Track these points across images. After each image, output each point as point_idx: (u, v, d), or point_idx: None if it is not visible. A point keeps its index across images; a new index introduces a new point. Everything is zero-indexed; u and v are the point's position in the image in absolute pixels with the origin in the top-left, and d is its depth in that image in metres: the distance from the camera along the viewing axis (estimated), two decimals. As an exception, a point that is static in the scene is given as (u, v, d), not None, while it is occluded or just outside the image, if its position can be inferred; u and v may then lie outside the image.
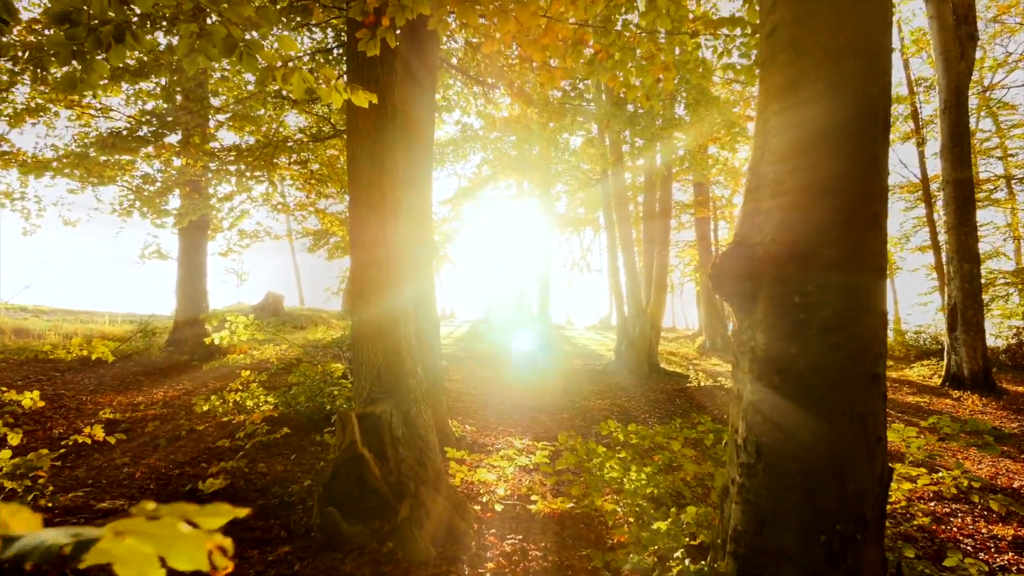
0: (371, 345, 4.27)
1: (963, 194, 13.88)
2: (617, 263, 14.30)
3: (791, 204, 2.18)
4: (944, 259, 14.80)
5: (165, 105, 6.20)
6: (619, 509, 3.62)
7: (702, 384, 11.82)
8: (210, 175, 7.61)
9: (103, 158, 6.82)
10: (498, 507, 4.14)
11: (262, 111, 7.48)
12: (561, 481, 4.65)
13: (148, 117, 6.23)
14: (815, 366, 2.10)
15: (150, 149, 7.48)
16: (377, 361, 4.23)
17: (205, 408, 5.75)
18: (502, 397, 10.33)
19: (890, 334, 20.88)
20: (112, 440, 4.04)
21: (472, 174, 17.42)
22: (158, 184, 8.18)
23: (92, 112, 9.79)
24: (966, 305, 13.80)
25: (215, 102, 11.17)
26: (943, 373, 14.18)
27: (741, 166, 23.20)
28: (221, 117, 7.50)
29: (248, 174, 7.42)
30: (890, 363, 18.60)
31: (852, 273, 2.11)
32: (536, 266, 22.28)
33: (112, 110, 9.67)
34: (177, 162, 9.12)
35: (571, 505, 3.69)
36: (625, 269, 14.01)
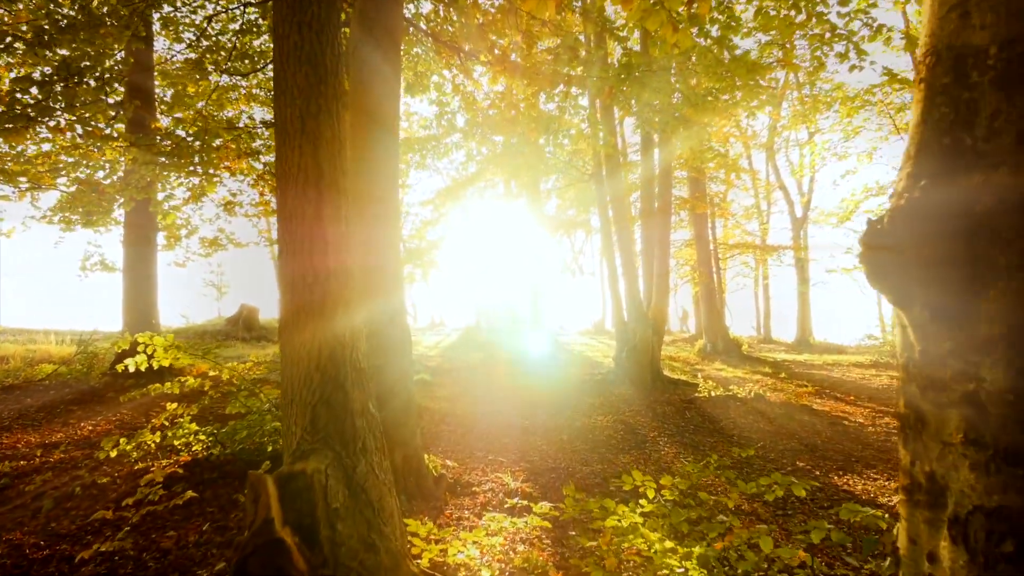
0: (304, 376, 3.12)
1: None
2: (615, 264, 13.20)
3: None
4: None
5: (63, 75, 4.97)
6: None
7: (712, 394, 10.71)
8: (141, 168, 6.41)
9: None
10: (482, 598, 2.99)
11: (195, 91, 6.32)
12: (567, 549, 3.51)
13: (21, 88, 4.91)
14: None
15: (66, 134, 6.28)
16: (311, 397, 3.07)
17: (113, 454, 4.55)
18: (492, 416, 9.17)
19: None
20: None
21: (456, 172, 16.29)
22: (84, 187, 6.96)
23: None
24: None
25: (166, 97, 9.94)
26: None
27: (737, 159, 22.25)
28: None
29: (175, 164, 6.22)
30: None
31: None
32: (527, 270, 21.19)
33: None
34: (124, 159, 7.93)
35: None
36: (624, 270, 12.91)
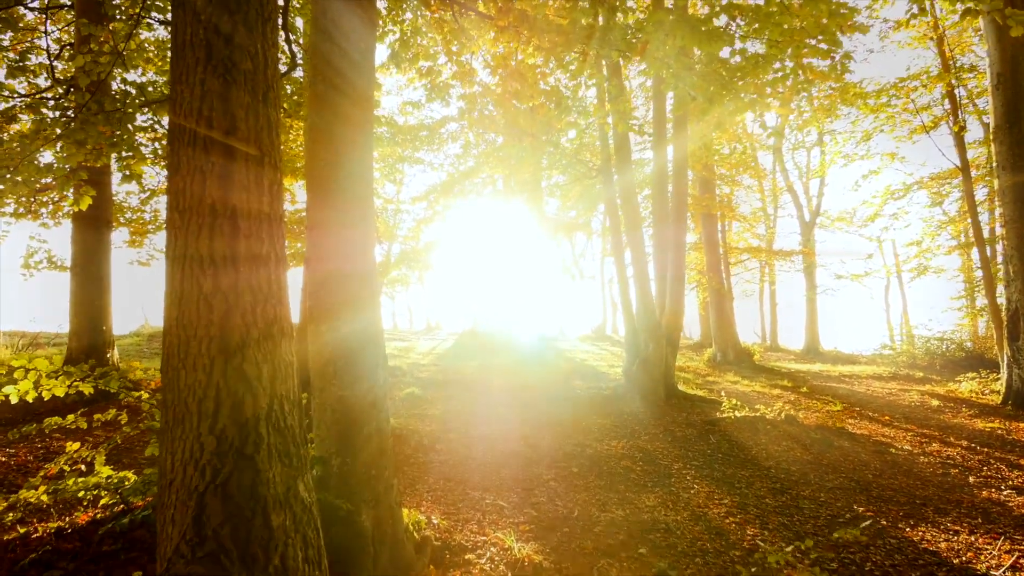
0: (191, 442, 1.94)
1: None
2: (624, 266, 12.05)
3: None
4: (1000, 258, 12.73)
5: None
6: None
7: (737, 415, 9.51)
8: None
9: None
10: None
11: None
12: None
13: None
14: None
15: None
16: (199, 478, 1.89)
17: (-24, 518, 3.37)
18: (490, 440, 7.98)
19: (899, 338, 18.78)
20: None
21: (452, 167, 15.13)
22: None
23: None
24: (1032, 310, 11.72)
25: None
26: (1002, 389, 12.15)
27: (749, 159, 21.16)
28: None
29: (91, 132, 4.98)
30: (919, 374, 16.52)
31: None
32: (526, 273, 20.04)
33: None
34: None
35: None
36: (635, 275, 11.72)
